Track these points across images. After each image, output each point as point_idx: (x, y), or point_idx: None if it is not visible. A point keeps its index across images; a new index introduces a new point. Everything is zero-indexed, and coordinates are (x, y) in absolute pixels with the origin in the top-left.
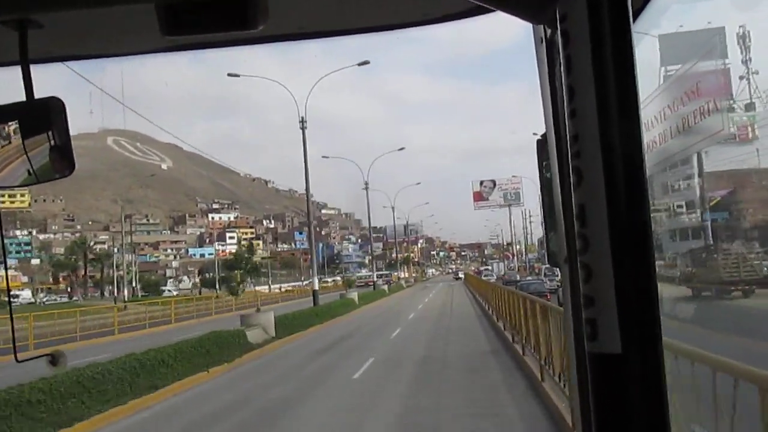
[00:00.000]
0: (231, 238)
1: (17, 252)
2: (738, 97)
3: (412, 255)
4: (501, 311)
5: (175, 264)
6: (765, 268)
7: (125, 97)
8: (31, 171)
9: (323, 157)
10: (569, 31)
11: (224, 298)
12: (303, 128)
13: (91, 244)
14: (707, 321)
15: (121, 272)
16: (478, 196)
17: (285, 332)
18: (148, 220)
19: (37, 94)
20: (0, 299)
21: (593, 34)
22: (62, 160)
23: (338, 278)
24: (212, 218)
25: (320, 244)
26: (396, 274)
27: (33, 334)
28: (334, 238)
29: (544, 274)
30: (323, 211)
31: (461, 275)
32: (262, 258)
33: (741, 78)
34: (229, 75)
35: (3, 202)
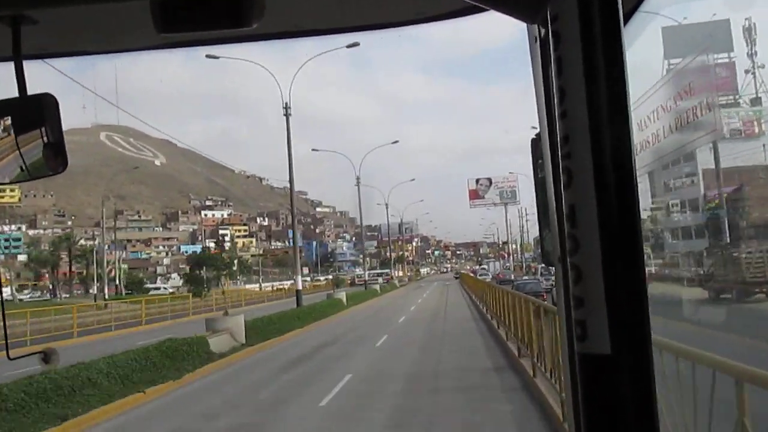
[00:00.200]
0: (224, 235)
1: (5, 248)
2: (743, 92)
3: (407, 254)
4: (502, 316)
5: (166, 261)
6: None
7: (119, 94)
8: (23, 168)
9: (313, 150)
10: (560, 31)
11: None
12: (287, 114)
13: (78, 239)
14: (732, 326)
15: (106, 269)
16: (474, 194)
17: (258, 338)
18: (140, 216)
19: (30, 89)
20: None
21: (584, 35)
22: (55, 157)
23: (331, 276)
24: (205, 215)
25: (314, 242)
26: (389, 272)
27: None
28: (328, 236)
29: (541, 273)
30: (318, 209)
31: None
32: (252, 255)
33: (747, 72)
34: (207, 56)
35: None
